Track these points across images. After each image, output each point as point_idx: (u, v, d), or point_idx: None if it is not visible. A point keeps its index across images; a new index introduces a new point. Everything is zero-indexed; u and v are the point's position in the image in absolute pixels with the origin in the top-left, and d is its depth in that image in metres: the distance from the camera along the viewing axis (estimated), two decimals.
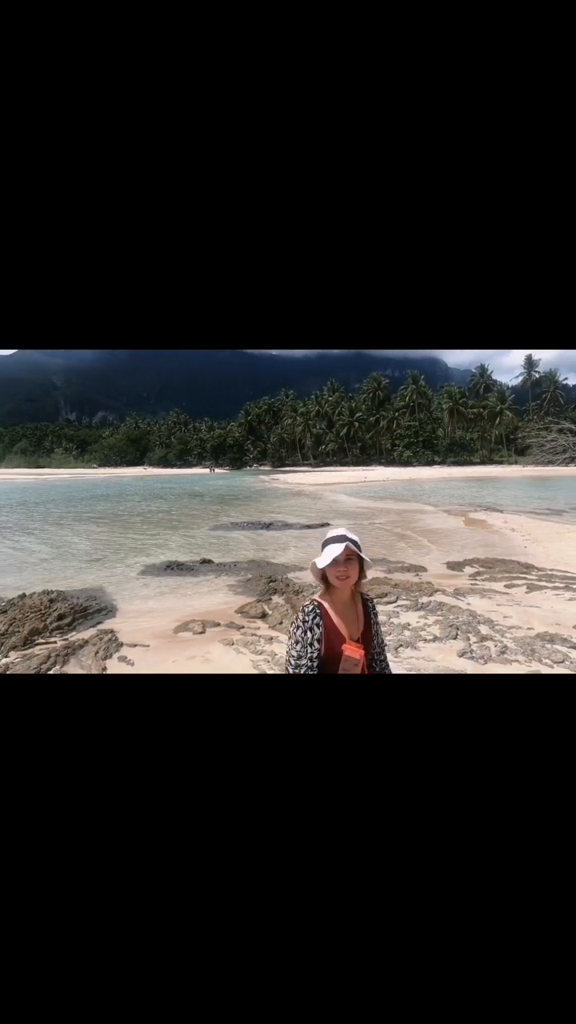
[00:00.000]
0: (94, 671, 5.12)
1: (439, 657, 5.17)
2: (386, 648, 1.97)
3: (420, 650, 5.39)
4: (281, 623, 6.43)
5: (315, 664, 1.80)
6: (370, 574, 9.77)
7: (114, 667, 5.28)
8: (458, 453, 75.66)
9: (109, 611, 7.29)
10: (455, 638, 5.66)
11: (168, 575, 9.65)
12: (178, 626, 6.46)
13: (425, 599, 7.29)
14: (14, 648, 5.87)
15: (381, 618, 6.57)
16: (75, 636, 6.22)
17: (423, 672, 4.80)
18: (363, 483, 40.80)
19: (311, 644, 1.80)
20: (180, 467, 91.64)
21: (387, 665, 2.09)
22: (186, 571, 9.92)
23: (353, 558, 1.81)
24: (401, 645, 5.50)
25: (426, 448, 77.23)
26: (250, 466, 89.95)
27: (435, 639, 5.69)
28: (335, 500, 26.96)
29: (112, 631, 6.23)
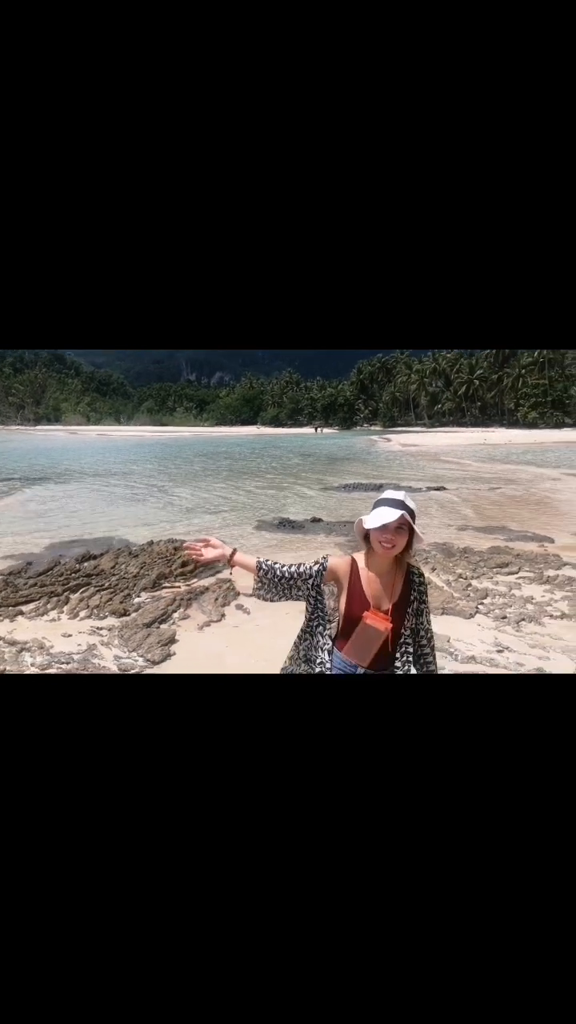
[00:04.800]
0: (214, 617, 5.45)
1: (568, 636, 4.81)
2: (433, 636, 1.75)
3: (545, 626, 5.05)
4: None
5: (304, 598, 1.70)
6: (483, 543, 9.31)
7: (232, 614, 5.57)
8: None
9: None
10: None
11: (280, 531, 9.90)
12: None
13: (552, 572, 6.78)
14: (144, 589, 6.40)
15: (500, 588, 6.27)
16: (197, 583, 6.64)
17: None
18: (482, 445, 38.41)
19: (299, 577, 1.70)
20: (290, 426, 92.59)
21: (433, 659, 1.75)
22: (297, 528, 10.11)
23: (404, 527, 1.62)
24: (523, 619, 5.19)
25: (556, 409, 70.20)
26: (360, 426, 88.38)
27: (563, 616, 5.29)
28: (451, 462, 25.72)
29: (230, 580, 6.56)
